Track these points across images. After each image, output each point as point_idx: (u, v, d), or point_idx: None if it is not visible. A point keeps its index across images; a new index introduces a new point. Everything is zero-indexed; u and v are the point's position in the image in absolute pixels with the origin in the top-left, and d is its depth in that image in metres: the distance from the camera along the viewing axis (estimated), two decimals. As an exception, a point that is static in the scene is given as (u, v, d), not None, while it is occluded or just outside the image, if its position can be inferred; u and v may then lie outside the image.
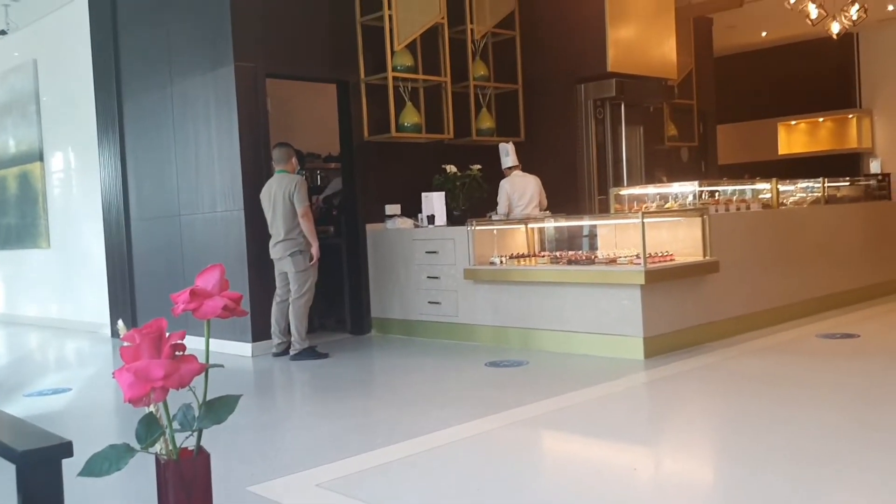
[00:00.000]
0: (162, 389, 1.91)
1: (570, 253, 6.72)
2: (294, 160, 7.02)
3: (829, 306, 7.74)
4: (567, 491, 3.37)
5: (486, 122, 8.75)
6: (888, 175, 10.87)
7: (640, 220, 5.93)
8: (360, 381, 6.19)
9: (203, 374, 2.02)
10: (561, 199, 8.24)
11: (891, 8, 11.85)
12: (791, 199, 8.42)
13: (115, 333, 8.69)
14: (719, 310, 6.54)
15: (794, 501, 3.11)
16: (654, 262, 5.98)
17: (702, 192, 7.48)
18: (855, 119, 13.52)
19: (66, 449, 1.96)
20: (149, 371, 1.89)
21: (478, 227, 6.99)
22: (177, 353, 1.97)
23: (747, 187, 8.08)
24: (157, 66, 8.15)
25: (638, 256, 5.95)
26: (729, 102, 12.93)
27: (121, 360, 1.96)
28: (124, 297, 8.80)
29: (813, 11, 8.95)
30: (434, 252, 7.33)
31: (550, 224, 7.19)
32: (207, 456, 2.09)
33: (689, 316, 6.27)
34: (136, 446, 2.02)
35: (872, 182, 9.96)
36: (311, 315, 7.12)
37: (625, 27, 8.62)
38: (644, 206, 7.54)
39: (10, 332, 10.40)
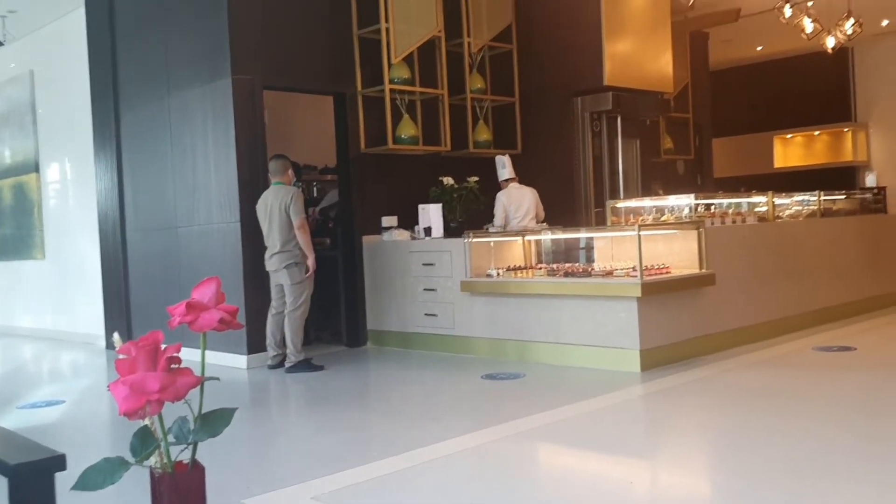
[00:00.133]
0: (157, 402, 1.90)
1: (567, 265, 6.71)
2: (290, 172, 7.01)
3: (825, 319, 7.75)
4: (564, 504, 3.36)
5: (483, 134, 8.77)
6: (884, 188, 10.89)
7: (636, 232, 5.94)
8: (355, 394, 6.17)
9: (198, 387, 2.01)
10: (558, 211, 8.25)
11: (885, 23, 11.94)
12: (787, 213, 8.44)
13: (109, 345, 8.66)
14: (716, 322, 6.54)
15: (791, 515, 3.10)
16: (650, 275, 5.98)
17: (698, 205, 7.49)
18: (850, 132, 13.58)
19: (59, 462, 1.94)
20: (144, 384, 1.89)
21: (474, 240, 6.99)
22: (172, 365, 1.97)
23: (743, 200, 8.09)
24: (154, 78, 8.15)
25: (634, 269, 5.95)
26: (725, 116, 12.99)
27: (115, 372, 1.95)
28: (119, 309, 8.77)
29: (808, 26, 9.01)
30: (431, 264, 7.33)
31: (547, 236, 7.19)
32: (202, 469, 2.08)
33: (685, 328, 6.27)
34: (131, 459, 2.01)
35: (868, 195, 9.98)
36: (307, 327, 7.10)
37: (621, 41, 8.65)
38: (640, 218, 7.55)
39: (4, 343, 10.35)
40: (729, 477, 3.68)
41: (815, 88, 13.60)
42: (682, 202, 7.53)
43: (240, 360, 7.10)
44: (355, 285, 7.91)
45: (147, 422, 2.02)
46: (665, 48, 9.16)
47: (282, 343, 6.91)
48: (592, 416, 4.82)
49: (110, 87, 8.78)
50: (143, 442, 2.02)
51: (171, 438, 2.04)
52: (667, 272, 6.23)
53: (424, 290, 7.39)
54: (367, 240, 7.91)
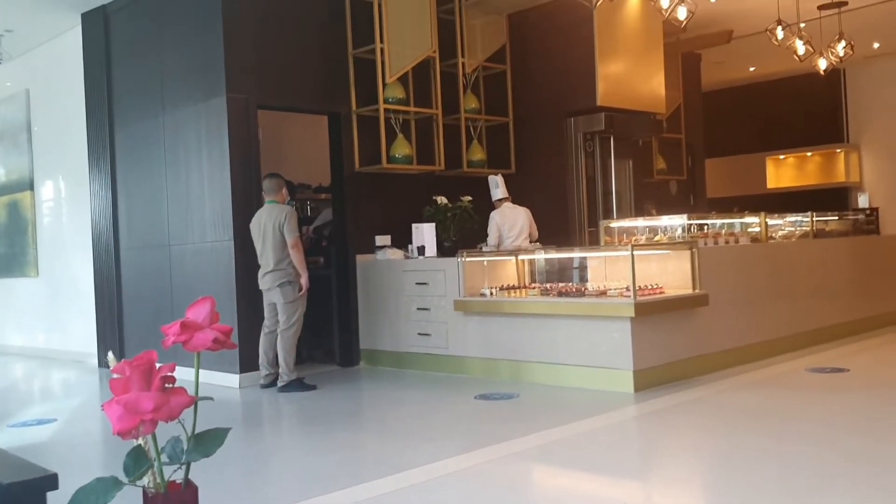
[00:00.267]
0: (151, 422, 1.89)
1: (561, 285, 6.72)
2: (284, 191, 7.03)
3: (818, 340, 7.76)
4: (557, 525, 3.35)
5: (477, 154, 8.80)
6: (876, 209, 10.96)
7: (629, 252, 5.95)
8: (348, 414, 6.15)
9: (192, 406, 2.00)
10: (551, 230, 8.27)
11: (877, 45, 12.04)
12: (780, 233, 8.47)
13: (102, 363, 8.62)
14: (709, 343, 6.55)
15: (785, 537, 3.09)
16: (643, 295, 5.99)
17: (691, 225, 7.51)
18: (843, 154, 13.66)
19: (51, 481, 1.94)
20: (138, 404, 1.88)
21: (468, 259, 7.00)
22: (167, 385, 1.96)
23: (736, 221, 8.13)
24: (149, 97, 8.17)
25: (628, 289, 5.96)
26: (717, 137, 13.05)
27: (108, 391, 1.95)
28: (112, 327, 8.74)
29: (800, 48, 9.08)
30: (424, 283, 7.33)
31: (541, 256, 7.20)
32: (195, 489, 2.07)
33: (678, 349, 6.28)
34: (124, 479, 2.00)
35: (860, 216, 10.04)
36: (300, 346, 7.09)
37: (614, 62, 8.72)
38: (634, 238, 7.58)
39: (-5, 361, 10.31)
40: (722, 497, 3.67)
41: (808, 110, 13.70)
42: (675, 222, 7.55)
43: (232, 380, 7.07)
44: (348, 304, 7.91)
45: (140, 441, 2.01)
46: (658, 69, 9.23)
47: (274, 362, 6.89)
48: (586, 437, 4.81)
49: (105, 105, 8.79)
50: (137, 461, 2.01)
51: (164, 458, 2.03)
52: (660, 292, 6.24)
53: (418, 309, 7.38)
54: (361, 259, 7.92)
